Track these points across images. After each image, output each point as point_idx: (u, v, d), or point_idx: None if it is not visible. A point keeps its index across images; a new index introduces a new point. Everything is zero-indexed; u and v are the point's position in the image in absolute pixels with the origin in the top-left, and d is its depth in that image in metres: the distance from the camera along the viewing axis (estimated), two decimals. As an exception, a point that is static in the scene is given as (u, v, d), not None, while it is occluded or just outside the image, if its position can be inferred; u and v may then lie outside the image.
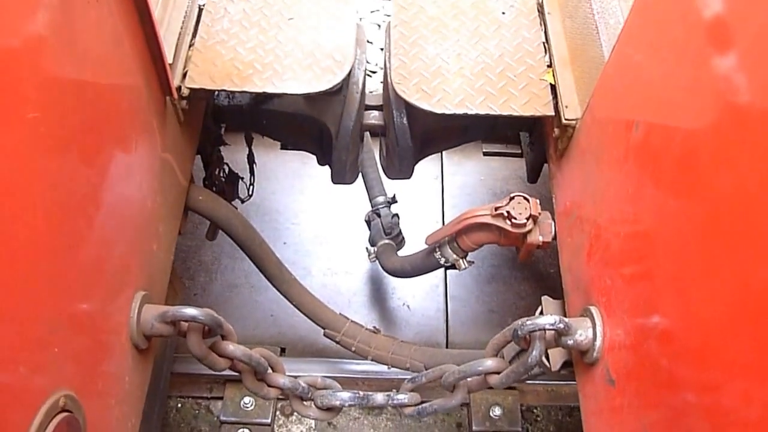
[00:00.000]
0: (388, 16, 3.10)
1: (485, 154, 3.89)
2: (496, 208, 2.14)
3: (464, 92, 2.11)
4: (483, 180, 3.80)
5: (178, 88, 1.98)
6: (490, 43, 2.24)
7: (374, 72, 4.12)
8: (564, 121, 2.07)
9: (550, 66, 2.22)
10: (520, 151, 3.50)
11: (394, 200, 3.08)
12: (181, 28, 2.10)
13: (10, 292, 1.11)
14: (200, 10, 2.21)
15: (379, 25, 4.48)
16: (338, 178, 2.67)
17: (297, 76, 2.05)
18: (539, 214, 2.14)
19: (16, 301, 1.13)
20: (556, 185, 2.29)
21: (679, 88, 1.42)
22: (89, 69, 1.43)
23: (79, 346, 1.38)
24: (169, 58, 1.88)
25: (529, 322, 1.71)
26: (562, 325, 1.70)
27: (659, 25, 1.55)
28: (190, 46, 2.10)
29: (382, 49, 4.26)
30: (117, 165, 1.60)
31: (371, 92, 3.92)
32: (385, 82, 2.44)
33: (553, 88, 2.16)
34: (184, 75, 2.02)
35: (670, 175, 1.45)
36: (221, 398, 2.85)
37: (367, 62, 4.02)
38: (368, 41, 4.36)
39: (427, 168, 3.80)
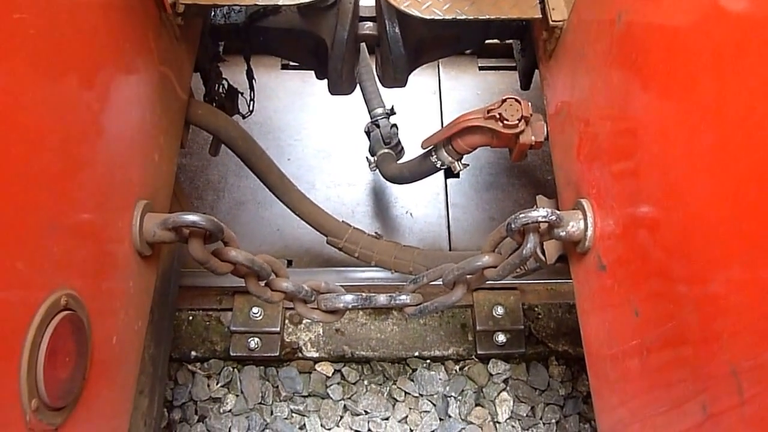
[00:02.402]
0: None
1: (481, 68, 3.85)
2: (489, 111, 2.15)
3: (453, -2, 2.08)
4: (479, 94, 3.77)
5: (173, 5, 1.96)
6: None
7: None
8: (551, 23, 2.05)
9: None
10: (514, 65, 3.47)
11: (392, 111, 3.08)
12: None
13: (8, 191, 1.12)
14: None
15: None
16: (335, 88, 2.66)
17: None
18: (531, 115, 2.15)
19: (14, 200, 1.13)
20: (546, 86, 2.28)
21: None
22: None
23: (81, 250, 1.39)
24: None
25: (522, 216, 1.73)
26: (554, 217, 1.72)
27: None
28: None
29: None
30: (115, 79, 1.60)
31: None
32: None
33: (541, -10, 2.13)
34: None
35: (654, 66, 1.45)
36: (230, 309, 2.90)
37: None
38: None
39: (425, 83, 3.78)
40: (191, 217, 1.64)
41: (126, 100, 1.69)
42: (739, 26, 1.12)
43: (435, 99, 3.78)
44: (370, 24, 2.62)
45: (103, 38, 1.54)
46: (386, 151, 2.94)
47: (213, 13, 2.48)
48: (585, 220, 1.76)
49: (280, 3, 2.01)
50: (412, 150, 2.93)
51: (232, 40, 2.66)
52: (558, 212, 1.73)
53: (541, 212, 1.72)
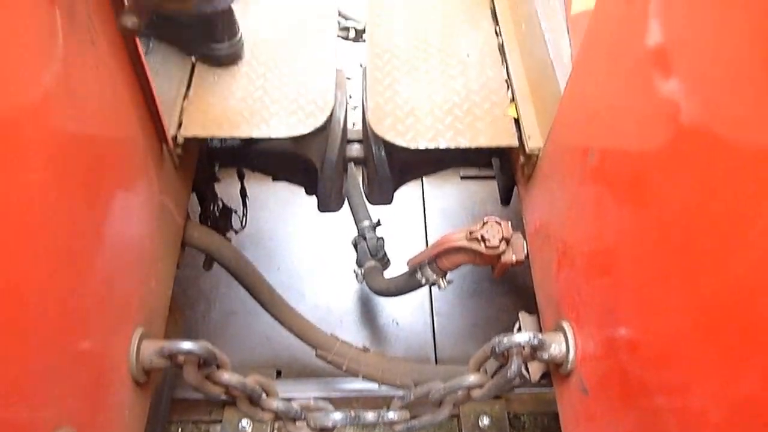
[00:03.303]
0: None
1: (463, 177, 3.99)
2: (471, 233, 2.23)
3: (435, 129, 2.21)
4: (462, 202, 3.90)
5: (174, 137, 2.06)
6: (457, 82, 2.35)
7: (356, 106, 4.22)
8: (528, 151, 2.17)
9: (512, 101, 2.32)
10: (494, 175, 3.62)
11: (378, 224, 3.18)
12: (177, 80, 2.20)
13: (13, 331, 1.13)
14: (193, 66, 2.30)
15: (361, 64, 4.58)
16: (324, 207, 2.75)
17: (283, 121, 2.14)
18: (511, 235, 2.23)
19: (20, 340, 1.15)
20: (525, 207, 2.38)
21: (627, 114, 1.50)
22: (89, 121, 1.49)
23: (81, 383, 1.40)
24: (164, 109, 1.97)
25: (505, 340, 1.78)
26: (536, 341, 1.77)
27: (606, 60, 1.63)
28: (184, 98, 2.18)
29: (362, 78, 4.37)
30: (117, 210, 1.66)
31: (354, 123, 4.07)
32: (364, 120, 2.53)
33: (517, 121, 2.26)
34: (179, 124, 2.11)
35: (624, 195, 1.53)
36: (220, 421, 2.88)
37: (350, 97, 4.13)
38: (348, 78, 4.47)
39: (409, 193, 3.90)
40: (186, 346, 1.67)
41: (126, 231, 1.75)
42: (698, 155, 1.21)
43: (419, 208, 3.90)
44: (357, 146, 2.75)
45: (107, 169, 1.60)
46: (373, 263, 3.01)
47: (209, 138, 2.60)
48: (566, 342, 1.80)
49: (273, 136, 2.12)
50: (398, 256, 3.01)
51: (228, 161, 2.77)
52: (540, 336, 1.78)
53: (524, 336, 1.77)
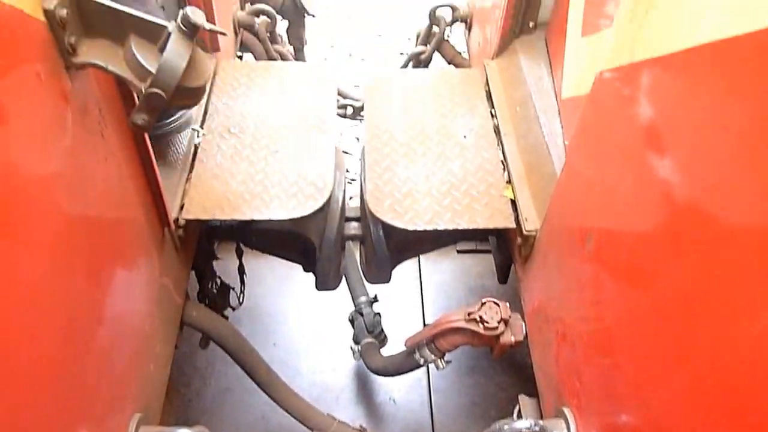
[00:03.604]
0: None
1: (459, 252, 4.01)
2: (469, 314, 2.23)
3: (433, 210, 2.24)
4: (459, 277, 3.91)
5: (176, 220, 2.09)
6: (454, 164, 2.40)
7: (353, 180, 4.29)
8: (525, 232, 2.20)
9: (509, 182, 2.37)
10: (490, 248, 3.64)
11: (375, 299, 3.17)
12: (180, 162, 2.25)
13: (13, 412, 1.11)
14: (196, 149, 2.35)
15: (357, 138, 4.69)
16: (322, 285, 2.76)
17: (283, 204, 2.17)
18: (509, 316, 2.23)
19: (15, 425, 1.13)
20: (523, 288, 2.39)
21: (623, 196, 1.53)
22: (94, 206, 1.51)
23: None
24: (167, 192, 2.00)
25: (506, 427, 1.76)
26: (537, 429, 1.75)
27: (600, 143, 1.69)
28: (186, 181, 2.22)
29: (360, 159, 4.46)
30: (118, 292, 1.67)
31: (351, 197, 4.12)
32: (362, 201, 2.57)
33: (513, 202, 2.30)
34: (181, 207, 2.14)
35: (622, 278, 1.54)
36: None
37: (347, 171, 4.20)
38: (345, 152, 4.56)
39: (405, 267, 3.90)
40: (184, 434, 1.65)
41: (126, 314, 1.75)
42: (697, 237, 1.21)
43: (415, 282, 3.89)
44: (355, 224, 2.78)
45: (110, 252, 1.61)
46: (370, 340, 2.99)
47: (210, 218, 2.63)
48: (568, 430, 1.78)
49: (273, 218, 2.15)
50: (395, 331, 3.00)
51: (227, 239, 2.79)
52: (541, 422, 1.76)
53: (524, 423, 1.76)
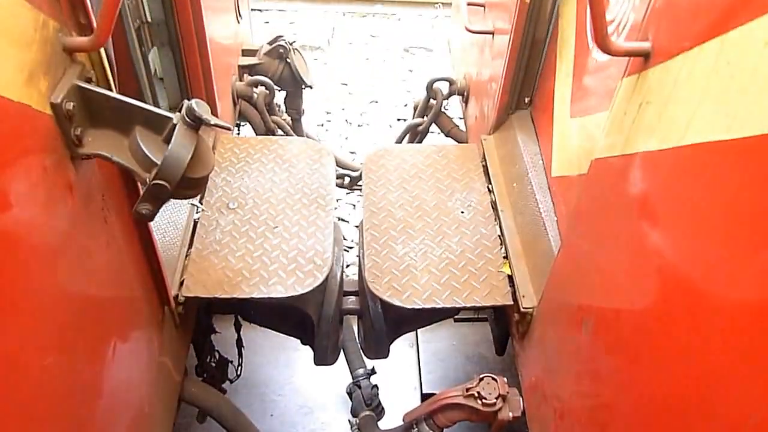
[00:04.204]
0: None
1: (456, 320, 3.98)
2: (468, 389, 2.20)
3: (431, 287, 2.24)
4: (455, 345, 3.86)
5: (176, 297, 2.08)
6: (452, 240, 2.41)
7: (351, 248, 4.30)
8: (522, 309, 2.19)
9: (506, 258, 2.38)
10: (487, 317, 3.61)
11: (373, 372, 3.13)
12: (180, 238, 2.25)
13: None
14: (195, 224, 2.36)
15: (354, 206, 4.72)
16: (321, 360, 2.73)
17: (282, 281, 2.17)
18: (507, 392, 2.20)
19: None
20: (520, 363, 2.36)
21: (620, 276, 1.54)
22: (97, 285, 1.51)
23: None
24: (167, 268, 2.00)
25: None
26: None
27: (597, 223, 1.70)
28: (186, 257, 2.22)
29: (357, 227, 4.48)
30: (118, 372, 1.64)
31: (348, 265, 4.11)
32: (360, 277, 2.57)
33: (511, 278, 2.30)
34: (181, 283, 2.13)
35: (620, 358, 1.52)
36: None
37: (344, 238, 4.20)
38: (342, 219, 4.59)
39: (402, 336, 3.87)
40: None
41: (125, 393, 1.72)
42: (696, 316, 1.20)
43: (412, 351, 3.85)
44: (353, 298, 2.77)
45: (110, 331, 1.60)
46: (368, 413, 2.93)
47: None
48: None
49: (273, 296, 2.14)
50: (392, 401, 2.94)
51: (226, 313, 2.77)
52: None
53: None
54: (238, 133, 3.75)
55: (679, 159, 1.26)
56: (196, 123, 1.35)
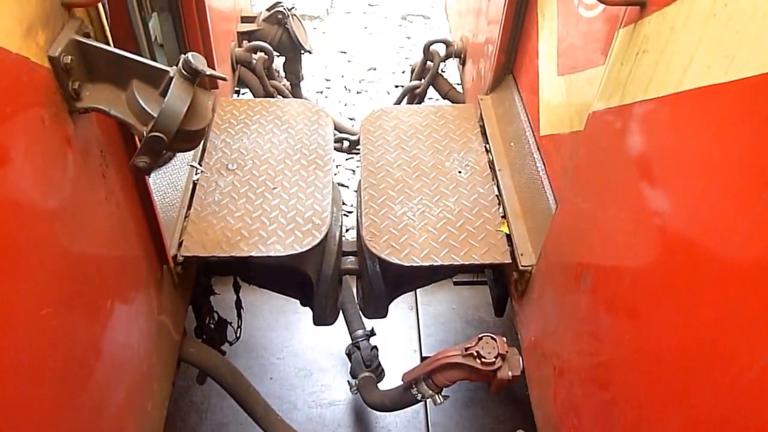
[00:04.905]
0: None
1: (455, 283, 4.00)
2: (467, 349, 2.23)
3: (429, 246, 2.26)
4: (455, 309, 3.90)
5: (174, 257, 2.09)
6: (450, 200, 2.42)
7: (350, 212, 4.31)
8: (521, 268, 2.21)
9: (504, 217, 2.39)
10: (486, 280, 3.65)
11: (372, 333, 3.16)
12: (179, 199, 2.26)
13: None
14: (194, 185, 2.37)
15: (353, 171, 4.72)
16: (320, 320, 2.76)
17: (280, 241, 2.19)
18: (507, 351, 2.23)
19: None
20: (519, 323, 2.39)
21: (618, 231, 1.55)
22: (95, 242, 1.53)
23: None
24: (166, 229, 2.01)
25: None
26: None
27: (595, 178, 1.70)
28: (185, 218, 2.24)
29: (356, 191, 4.49)
30: (117, 330, 1.66)
31: (347, 229, 4.13)
32: (358, 236, 2.58)
33: (509, 237, 2.32)
34: (180, 244, 2.15)
35: (619, 314, 1.55)
36: None
37: (343, 203, 4.22)
38: (341, 184, 4.59)
39: (402, 299, 3.89)
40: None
41: (124, 352, 1.74)
42: (695, 267, 1.22)
43: (412, 314, 3.89)
44: (352, 259, 2.79)
45: (109, 290, 1.61)
46: (367, 374, 2.97)
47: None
48: (566, 466, 1.78)
49: (272, 254, 2.15)
50: (392, 364, 2.98)
51: (225, 274, 2.79)
52: (540, 460, 1.75)
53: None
54: (237, 94, 3.74)
55: (676, 106, 1.27)
56: (192, 75, 1.35)
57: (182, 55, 1.36)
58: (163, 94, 1.36)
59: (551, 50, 2.27)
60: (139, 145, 1.38)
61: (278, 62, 3.83)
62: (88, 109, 1.36)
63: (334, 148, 3.71)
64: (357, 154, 4.01)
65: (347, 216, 4.28)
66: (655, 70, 1.34)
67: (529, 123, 2.48)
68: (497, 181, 2.51)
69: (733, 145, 1.09)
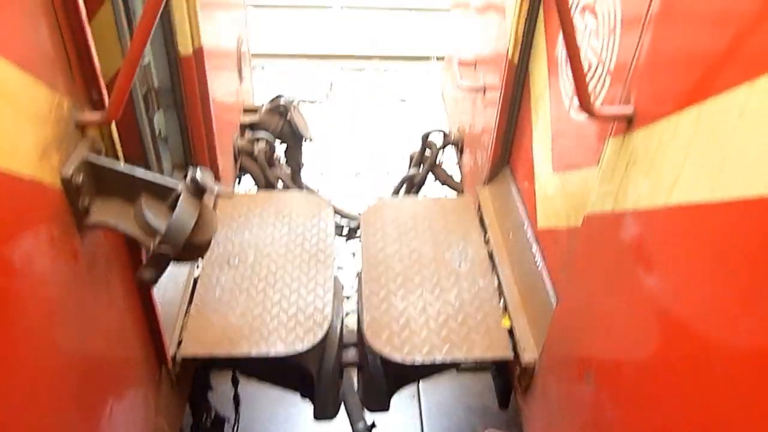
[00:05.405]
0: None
1: (458, 369, 3.98)
2: (471, 447, 2.21)
3: (430, 342, 2.27)
4: (458, 396, 3.85)
5: (173, 356, 2.10)
6: (450, 293, 2.45)
7: (348, 296, 4.32)
8: (523, 364, 2.21)
9: (505, 310, 2.41)
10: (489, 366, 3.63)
11: (373, 426, 3.11)
12: (180, 295, 2.29)
13: None
14: (195, 281, 2.40)
15: (353, 253, 4.76)
16: (321, 414, 2.73)
17: (282, 338, 2.20)
18: (513, 450, 2.20)
19: None
20: (525, 417, 2.36)
21: (620, 326, 1.56)
22: (96, 345, 1.54)
23: None
24: (166, 325, 2.02)
25: None
26: None
27: (593, 276, 1.74)
28: (185, 314, 2.26)
29: (357, 275, 4.52)
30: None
31: (347, 313, 4.12)
32: (359, 330, 2.60)
33: (511, 332, 2.33)
34: (179, 343, 2.16)
35: (624, 410, 1.54)
36: None
37: (343, 288, 4.23)
38: (340, 267, 4.62)
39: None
40: None
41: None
42: (696, 361, 1.23)
43: (414, 403, 3.83)
44: (352, 351, 2.79)
45: (106, 390, 1.61)
46: (370, 469, 2.91)
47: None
48: None
49: (271, 354, 2.16)
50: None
51: (224, 368, 2.78)
52: None
53: None
54: (239, 182, 3.83)
55: (668, 217, 1.32)
56: (199, 191, 1.41)
57: (189, 170, 1.42)
58: (171, 207, 1.41)
59: (546, 147, 2.35)
60: (144, 254, 1.42)
61: (279, 148, 3.94)
62: (97, 225, 1.41)
63: (335, 234, 3.78)
64: (357, 238, 4.06)
65: (347, 299, 4.29)
66: (646, 182, 1.40)
67: (527, 215, 2.54)
68: (497, 272, 2.55)
69: (722, 259, 1.13)
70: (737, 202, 1.08)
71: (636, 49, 1.51)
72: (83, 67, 1.39)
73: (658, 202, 1.34)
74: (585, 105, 1.45)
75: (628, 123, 1.48)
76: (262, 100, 4.02)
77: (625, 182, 1.51)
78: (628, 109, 1.46)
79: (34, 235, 1.23)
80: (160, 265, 1.41)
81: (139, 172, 1.42)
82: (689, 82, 1.26)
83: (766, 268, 1.01)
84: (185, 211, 1.38)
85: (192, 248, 1.43)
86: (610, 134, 1.59)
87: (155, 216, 1.41)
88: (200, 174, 1.40)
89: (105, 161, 1.40)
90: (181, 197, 1.39)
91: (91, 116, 1.38)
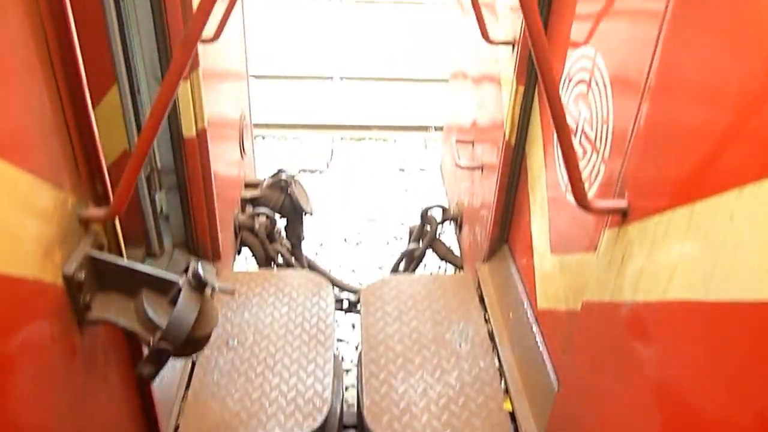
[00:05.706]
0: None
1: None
2: None
3: (431, 427, 2.24)
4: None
5: (171, 443, 2.08)
6: (451, 375, 2.44)
7: (349, 369, 4.27)
8: (525, 450, 2.19)
9: (506, 392, 2.39)
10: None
11: None
12: (177, 379, 2.27)
13: None
14: (193, 363, 2.39)
15: (353, 325, 4.74)
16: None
17: (280, 424, 2.17)
18: None
19: None
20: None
21: (624, 414, 1.55)
22: None
23: None
24: (163, 410, 2.00)
25: None
26: None
27: (594, 362, 1.73)
28: (183, 399, 2.24)
29: (356, 348, 4.49)
30: None
31: (347, 387, 4.07)
32: (359, 414, 2.56)
33: (512, 415, 2.31)
34: (176, 429, 2.13)
35: None
36: None
37: (342, 359, 4.18)
38: (340, 339, 4.59)
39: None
40: None
41: None
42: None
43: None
44: (353, 432, 2.75)
45: None
46: None
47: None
48: None
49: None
50: None
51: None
52: None
53: None
54: (239, 253, 3.85)
55: (665, 310, 1.33)
56: (200, 286, 1.42)
57: (191, 264, 1.45)
58: (172, 302, 1.43)
59: (543, 229, 2.38)
60: (144, 348, 1.42)
61: (280, 221, 3.98)
62: (98, 321, 1.42)
63: (335, 308, 3.77)
64: (357, 312, 4.05)
65: (347, 373, 4.24)
66: (641, 275, 1.42)
67: (527, 295, 2.54)
68: (498, 353, 2.54)
69: (719, 359, 1.14)
70: (731, 305, 1.09)
71: (627, 146, 1.55)
72: (89, 162, 1.43)
73: (654, 296, 1.36)
74: (580, 200, 1.49)
75: (623, 216, 1.51)
76: (262, 170, 4.08)
77: (621, 274, 1.53)
78: (622, 203, 1.50)
79: (35, 333, 1.24)
80: (159, 360, 1.41)
81: (141, 267, 1.44)
82: (680, 182, 1.30)
83: (758, 368, 1.03)
84: (186, 306, 1.40)
85: (192, 342, 1.44)
86: (606, 225, 1.62)
87: (156, 311, 1.42)
88: (201, 269, 1.42)
89: (108, 257, 1.42)
90: (182, 292, 1.41)
91: (96, 212, 1.41)
